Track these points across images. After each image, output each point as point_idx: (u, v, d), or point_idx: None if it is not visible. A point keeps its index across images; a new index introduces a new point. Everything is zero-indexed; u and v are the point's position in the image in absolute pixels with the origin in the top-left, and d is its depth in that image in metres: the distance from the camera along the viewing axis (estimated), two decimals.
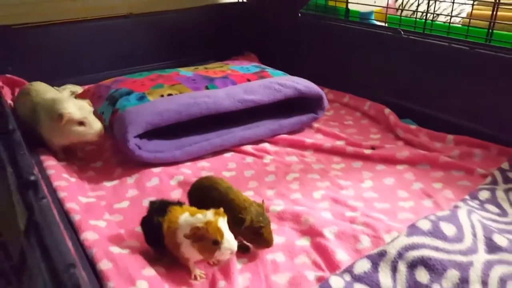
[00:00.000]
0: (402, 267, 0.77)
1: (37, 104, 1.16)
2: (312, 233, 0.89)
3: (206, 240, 0.73)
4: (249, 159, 1.23)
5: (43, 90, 1.23)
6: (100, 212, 0.93)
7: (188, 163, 1.19)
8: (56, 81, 1.68)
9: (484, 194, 1.02)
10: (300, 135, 1.36)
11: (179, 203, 0.82)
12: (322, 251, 0.85)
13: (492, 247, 0.81)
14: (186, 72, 1.42)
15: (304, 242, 0.88)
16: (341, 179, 1.12)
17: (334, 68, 1.69)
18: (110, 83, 1.35)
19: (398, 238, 0.81)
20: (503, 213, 0.97)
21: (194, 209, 0.80)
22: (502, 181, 1.07)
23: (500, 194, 1.02)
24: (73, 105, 1.09)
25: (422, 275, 0.75)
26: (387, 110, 1.43)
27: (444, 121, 1.34)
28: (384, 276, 0.76)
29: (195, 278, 0.78)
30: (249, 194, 1.04)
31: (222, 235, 0.73)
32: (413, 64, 1.43)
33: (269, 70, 1.45)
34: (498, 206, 0.99)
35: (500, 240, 0.82)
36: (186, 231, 0.74)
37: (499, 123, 1.23)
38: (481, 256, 0.79)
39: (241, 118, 1.31)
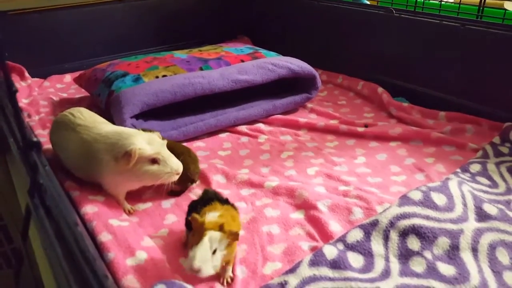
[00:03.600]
0: (394, 236, 0.79)
1: (91, 143, 0.87)
2: (306, 206, 0.91)
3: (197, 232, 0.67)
4: (244, 138, 1.25)
5: (93, 122, 0.94)
6: (98, 189, 0.94)
7: (184, 143, 1.20)
8: (52, 67, 1.69)
9: (475, 167, 1.04)
10: (294, 115, 1.37)
11: (226, 202, 0.78)
12: (316, 223, 0.86)
13: (482, 216, 0.83)
14: (180, 54, 1.42)
15: (298, 215, 0.90)
16: (334, 156, 1.14)
17: (328, 49, 1.69)
18: (106, 66, 1.36)
19: (390, 208, 0.83)
20: (494, 184, 0.99)
21: (229, 212, 0.74)
22: (493, 154, 1.09)
23: (491, 167, 1.04)
24: (142, 138, 0.85)
25: (414, 243, 0.77)
26: (380, 89, 1.44)
27: (436, 98, 1.36)
28: (376, 244, 0.78)
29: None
30: (244, 172, 1.06)
31: (194, 244, 0.66)
32: (406, 42, 1.44)
33: (263, 51, 1.46)
34: (489, 178, 1.00)
35: (490, 209, 0.84)
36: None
37: (491, 99, 1.24)
38: (471, 224, 0.81)
39: (235, 99, 1.32)
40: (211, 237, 0.66)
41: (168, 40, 1.89)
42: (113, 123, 1.06)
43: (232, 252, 0.71)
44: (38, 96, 1.50)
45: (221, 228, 0.67)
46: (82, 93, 1.53)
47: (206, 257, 0.64)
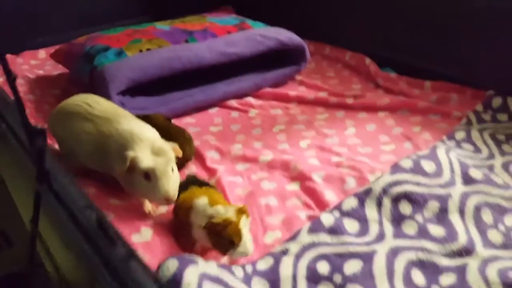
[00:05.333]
0: (386, 202, 0.82)
1: (107, 137, 0.80)
2: (301, 178, 0.93)
3: (222, 238, 0.67)
4: (235, 113, 1.24)
5: (114, 114, 0.84)
6: (97, 172, 0.92)
7: (174, 120, 1.19)
8: (24, 41, 1.60)
9: (460, 135, 1.08)
10: (284, 88, 1.37)
11: (207, 184, 0.78)
12: (312, 193, 0.89)
13: (468, 180, 0.88)
14: (162, 26, 1.37)
15: (294, 187, 0.92)
16: (325, 128, 1.15)
17: (314, 19, 1.67)
18: (84, 41, 1.30)
19: (382, 176, 0.86)
20: (477, 150, 1.03)
21: (216, 196, 0.74)
22: (476, 122, 1.13)
23: (474, 134, 1.08)
24: (149, 146, 0.75)
25: (405, 208, 0.81)
26: (367, 60, 1.45)
27: (422, 68, 1.38)
28: (370, 210, 0.81)
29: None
30: (237, 147, 1.06)
31: (240, 238, 0.66)
32: (390, 13, 1.43)
33: (249, 21, 1.42)
34: (473, 144, 1.05)
35: (475, 173, 0.89)
36: (200, 217, 0.69)
37: (474, 67, 1.28)
38: (458, 188, 0.85)
39: (224, 74, 1.30)
40: (247, 221, 0.69)
41: (146, 9, 1.81)
42: None
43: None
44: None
45: (242, 211, 0.69)
46: (60, 69, 1.47)
47: (250, 240, 0.69)
